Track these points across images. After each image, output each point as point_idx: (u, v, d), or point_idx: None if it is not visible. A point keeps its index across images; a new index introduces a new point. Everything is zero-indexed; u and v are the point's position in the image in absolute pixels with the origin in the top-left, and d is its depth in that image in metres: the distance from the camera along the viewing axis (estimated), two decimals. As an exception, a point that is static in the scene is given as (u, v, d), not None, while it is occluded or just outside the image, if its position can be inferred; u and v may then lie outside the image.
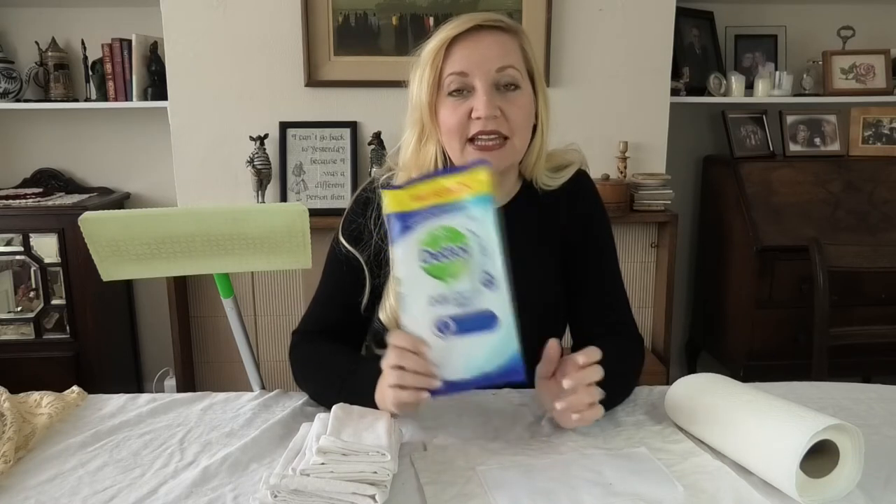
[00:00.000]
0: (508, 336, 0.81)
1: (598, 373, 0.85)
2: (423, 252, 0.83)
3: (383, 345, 1.07)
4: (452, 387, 0.81)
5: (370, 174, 2.40)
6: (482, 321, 0.81)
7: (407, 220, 0.84)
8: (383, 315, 1.06)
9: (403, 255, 0.84)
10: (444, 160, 1.06)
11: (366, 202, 1.11)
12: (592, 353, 0.85)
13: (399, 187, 0.86)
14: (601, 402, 0.88)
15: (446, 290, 0.82)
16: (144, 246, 1.26)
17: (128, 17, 2.61)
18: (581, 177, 1.16)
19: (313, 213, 1.41)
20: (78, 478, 0.85)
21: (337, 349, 1.07)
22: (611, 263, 1.16)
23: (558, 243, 1.13)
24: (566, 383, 0.82)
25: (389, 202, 0.85)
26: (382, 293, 1.07)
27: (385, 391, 0.88)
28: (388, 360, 0.86)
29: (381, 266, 1.08)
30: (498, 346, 0.81)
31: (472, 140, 1.01)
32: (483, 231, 0.83)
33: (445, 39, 1.00)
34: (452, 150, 1.04)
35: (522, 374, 0.82)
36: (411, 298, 0.83)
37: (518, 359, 0.81)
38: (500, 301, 0.82)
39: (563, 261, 1.14)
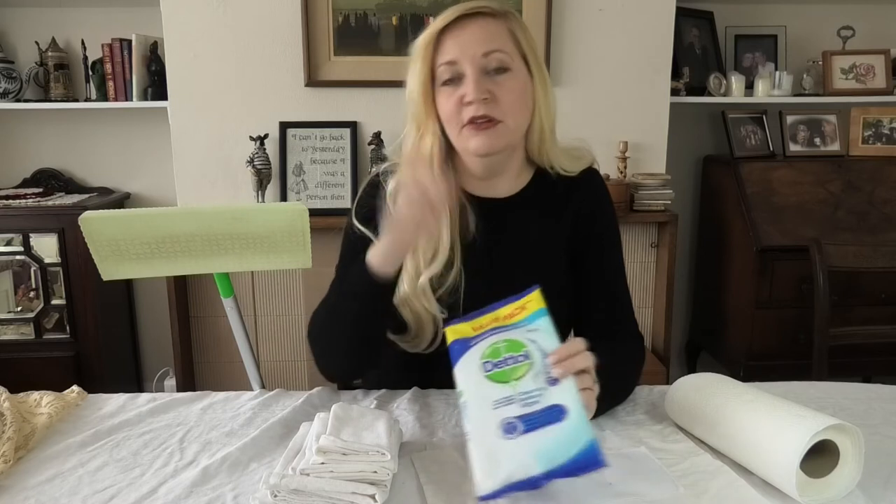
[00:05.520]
0: (580, 424, 0.77)
1: (586, 360, 0.84)
2: (485, 363, 0.84)
3: (396, 331, 1.08)
4: (528, 483, 0.76)
5: (370, 174, 2.40)
6: (550, 415, 0.79)
7: (468, 342, 0.87)
8: (395, 300, 1.07)
9: (465, 369, 0.85)
10: (448, 147, 1.08)
11: (378, 185, 1.12)
12: (576, 344, 0.84)
13: (460, 321, 0.89)
14: (602, 396, 0.88)
15: (511, 391, 0.81)
16: (144, 245, 1.26)
17: (128, 17, 2.61)
18: (593, 173, 1.17)
19: (313, 213, 1.41)
20: (78, 477, 0.85)
21: None
22: (616, 261, 1.16)
23: (567, 236, 1.14)
24: (556, 372, 0.81)
25: (451, 334, 0.88)
26: (396, 279, 1.08)
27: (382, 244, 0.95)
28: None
29: None
30: (570, 434, 0.77)
31: (464, 125, 1.02)
32: (542, 338, 0.84)
33: (434, 31, 1.03)
34: (452, 137, 1.06)
35: (602, 461, 0.76)
36: (474, 406, 0.82)
37: (594, 447, 0.76)
38: (567, 394, 0.80)
39: (571, 253, 1.14)
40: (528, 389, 0.80)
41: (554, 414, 0.78)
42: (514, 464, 0.76)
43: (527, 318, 0.86)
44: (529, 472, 0.76)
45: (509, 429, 0.78)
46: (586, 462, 0.75)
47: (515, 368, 0.82)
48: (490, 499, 0.76)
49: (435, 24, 1.03)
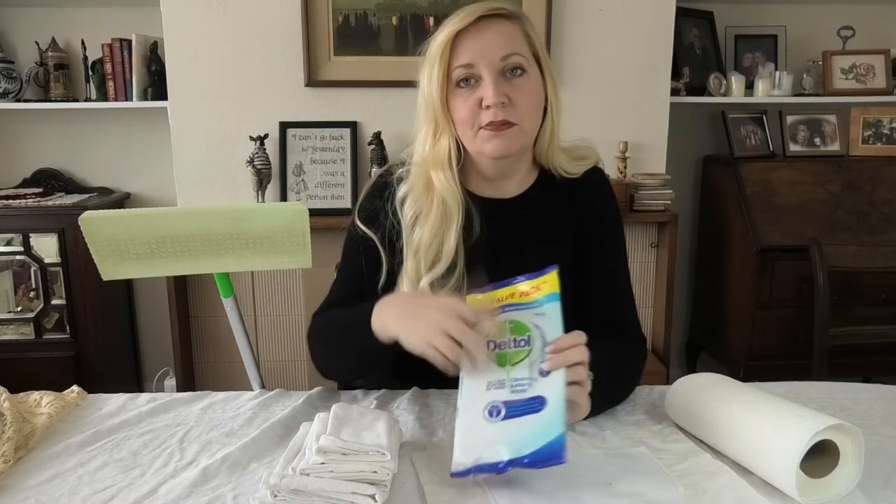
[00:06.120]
0: (554, 418, 0.78)
1: (581, 354, 0.83)
2: (489, 342, 0.85)
3: None
4: (493, 468, 0.78)
5: (370, 174, 2.41)
6: (531, 405, 0.80)
7: None
8: None
9: None
10: (458, 152, 1.07)
11: (383, 186, 1.12)
12: (576, 336, 0.84)
13: (483, 291, 0.91)
14: (602, 395, 0.88)
15: (504, 376, 0.83)
16: (144, 245, 1.26)
17: (128, 17, 2.61)
18: (599, 172, 1.19)
19: (313, 213, 1.41)
20: (78, 477, 0.85)
21: (349, 308, 1.06)
22: (619, 261, 1.17)
23: (573, 234, 1.14)
24: (546, 364, 0.81)
25: (471, 303, 0.90)
26: (396, 280, 1.08)
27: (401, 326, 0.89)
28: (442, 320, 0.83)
29: (394, 251, 1.09)
30: (542, 427, 0.78)
31: (482, 127, 1.03)
32: (547, 325, 0.85)
33: (451, 34, 1.02)
34: (466, 139, 1.06)
35: (563, 457, 0.76)
36: (469, 384, 0.85)
37: (561, 441, 0.76)
38: (552, 387, 0.81)
39: (576, 252, 1.14)
40: (520, 377, 0.82)
41: (534, 405, 0.80)
42: (485, 448, 0.79)
43: (539, 299, 0.87)
44: (496, 458, 0.78)
45: (493, 412, 0.81)
46: (548, 455, 0.76)
47: (515, 353, 0.84)
48: (460, 476, 0.79)
49: (451, 26, 1.02)
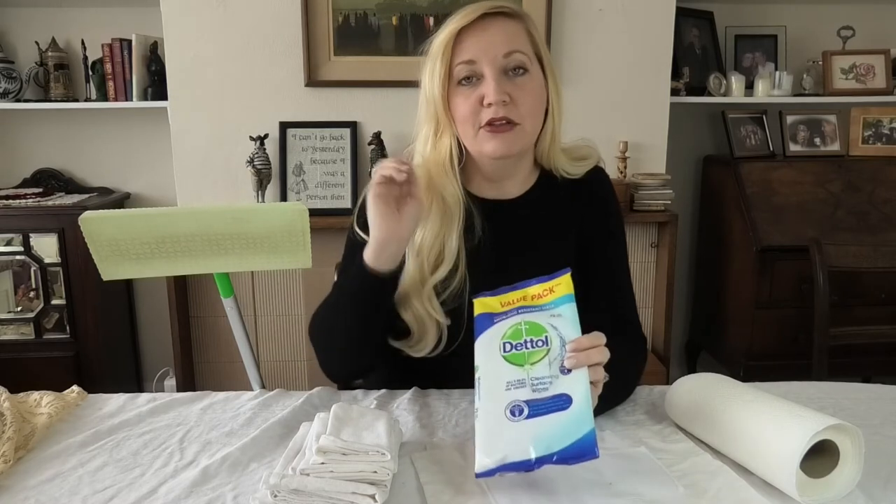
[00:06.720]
0: (582, 415, 0.78)
1: (602, 354, 0.83)
2: (505, 343, 0.86)
3: (396, 335, 1.08)
4: (522, 466, 0.78)
5: (370, 174, 2.40)
6: (556, 403, 0.80)
7: (493, 318, 0.89)
8: (398, 304, 1.07)
9: (484, 345, 0.87)
10: (459, 151, 1.07)
11: None
12: (597, 337, 0.84)
13: (489, 295, 0.91)
14: (603, 395, 0.88)
15: (524, 374, 0.83)
16: (144, 245, 1.26)
17: (128, 17, 2.61)
18: (600, 172, 1.18)
19: (313, 213, 1.41)
20: (78, 477, 0.85)
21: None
22: (620, 260, 1.17)
23: (574, 234, 1.14)
24: (568, 362, 0.81)
25: (478, 307, 0.90)
26: (396, 278, 1.08)
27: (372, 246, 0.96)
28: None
29: None
30: (570, 424, 0.78)
31: (482, 126, 1.02)
32: (564, 326, 0.85)
33: (453, 31, 1.02)
34: (466, 138, 1.05)
35: (596, 452, 0.76)
36: (487, 385, 0.84)
37: (592, 438, 0.76)
38: (577, 385, 0.81)
39: (578, 252, 1.14)
40: (541, 375, 0.82)
41: (560, 403, 0.80)
42: (511, 446, 0.78)
43: (553, 301, 0.87)
44: (524, 456, 0.78)
45: (515, 411, 0.80)
46: (580, 451, 0.76)
47: (533, 353, 0.84)
48: (485, 476, 0.79)
49: (454, 24, 1.02)
